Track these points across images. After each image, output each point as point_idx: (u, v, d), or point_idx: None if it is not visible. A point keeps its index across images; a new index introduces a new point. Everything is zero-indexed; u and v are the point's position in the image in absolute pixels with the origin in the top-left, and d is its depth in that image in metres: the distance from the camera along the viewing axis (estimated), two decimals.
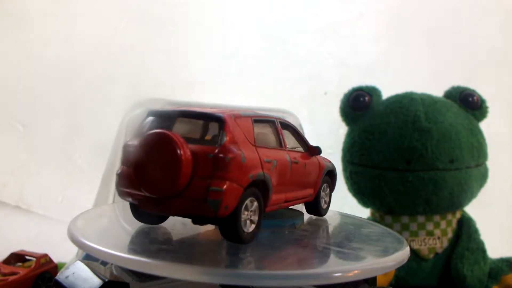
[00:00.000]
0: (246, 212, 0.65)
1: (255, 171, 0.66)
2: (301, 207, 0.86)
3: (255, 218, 0.67)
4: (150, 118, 0.71)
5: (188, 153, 0.62)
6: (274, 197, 0.71)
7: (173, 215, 0.67)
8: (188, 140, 0.64)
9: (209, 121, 0.67)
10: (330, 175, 0.89)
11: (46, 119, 1.72)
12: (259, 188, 0.68)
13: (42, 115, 1.72)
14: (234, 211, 0.63)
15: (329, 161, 0.89)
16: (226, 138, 0.64)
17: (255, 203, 0.67)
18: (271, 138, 0.75)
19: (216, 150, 0.63)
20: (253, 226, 0.67)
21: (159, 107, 0.77)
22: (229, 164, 0.62)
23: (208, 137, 0.66)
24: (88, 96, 1.70)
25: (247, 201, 0.65)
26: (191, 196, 0.62)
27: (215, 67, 1.74)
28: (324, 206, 0.88)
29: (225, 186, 0.62)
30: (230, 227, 0.64)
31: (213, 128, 0.66)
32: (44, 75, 1.71)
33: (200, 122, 0.68)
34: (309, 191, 0.82)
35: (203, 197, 0.61)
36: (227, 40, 1.76)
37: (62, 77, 1.70)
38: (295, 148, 0.81)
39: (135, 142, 0.67)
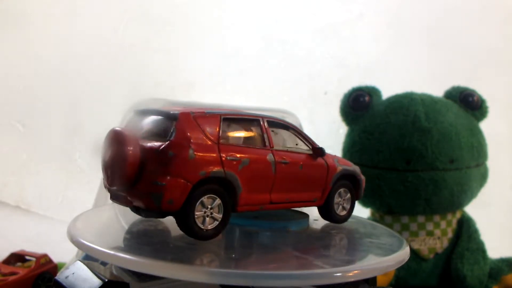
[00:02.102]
0: (203, 209, 0.66)
1: (208, 168, 0.66)
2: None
3: (218, 215, 0.68)
4: (135, 117, 0.75)
5: (136, 149, 0.65)
6: (250, 196, 0.71)
7: (130, 207, 0.70)
8: (151, 137, 0.68)
9: (167, 118, 0.69)
10: (350, 180, 0.86)
11: (46, 119, 1.72)
12: (224, 186, 0.68)
13: (42, 115, 1.72)
14: (185, 206, 0.65)
15: (350, 165, 0.86)
16: (175, 135, 0.66)
17: (217, 201, 0.68)
18: (251, 137, 0.75)
19: (162, 146, 0.65)
20: (216, 223, 0.68)
21: (159, 107, 0.78)
22: (172, 159, 0.65)
23: (164, 134, 0.68)
24: (88, 96, 1.70)
25: (204, 198, 0.66)
26: (141, 189, 0.66)
27: (215, 67, 1.74)
28: (342, 213, 0.85)
29: (166, 181, 0.63)
30: (182, 222, 0.66)
31: (170, 125, 0.68)
32: (44, 75, 1.71)
33: (162, 119, 0.70)
34: (313, 195, 0.80)
35: (149, 190, 0.64)
36: (227, 40, 1.76)
37: (62, 77, 1.70)
38: (303, 149, 0.80)
39: None
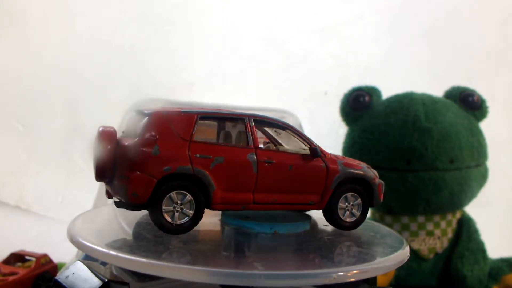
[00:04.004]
0: (173, 204, 0.69)
1: (174, 164, 0.69)
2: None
3: (189, 211, 0.70)
4: (131, 117, 0.79)
5: (110, 146, 0.71)
6: (226, 195, 0.72)
7: (111, 198, 0.76)
8: (130, 135, 0.73)
9: (143, 118, 0.73)
10: (361, 184, 0.81)
11: (46, 119, 1.72)
12: (195, 183, 0.70)
13: (42, 115, 1.72)
14: (151, 200, 0.68)
15: (359, 167, 0.81)
16: (143, 132, 0.70)
17: (188, 197, 0.70)
18: (231, 135, 0.77)
19: (130, 143, 0.70)
20: (187, 219, 0.70)
21: (159, 107, 0.79)
22: (136, 155, 0.69)
23: (138, 132, 0.72)
24: (88, 96, 1.70)
25: (173, 193, 0.69)
26: (115, 183, 0.71)
27: (215, 67, 1.74)
28: (350, 219, 0.80)
29: (131, 175, 0.68)
30: (151, 216, 0.70)
31: (143, 124, 0.72)
32: (44, 75, 1.71)
33: (140, 119, 0.74)
34: (309, 197, 0.77)
35: (119, 183, 0.70)
36: (227, 40, 1.76)
37: (62, 77, 1.70)
38: (302, 150, 0.78)
39: None
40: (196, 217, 0.70)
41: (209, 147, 0.72)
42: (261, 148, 0.76)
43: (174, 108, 0.74)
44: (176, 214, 0.69)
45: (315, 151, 0.78)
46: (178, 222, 0.69)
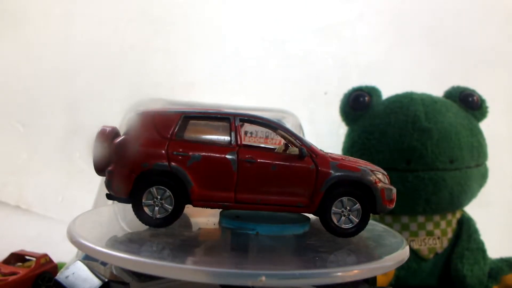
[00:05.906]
0: (153, 199, 0.73)
1: (151, 161, 0.72)
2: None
3: (168, 206, 0.73)
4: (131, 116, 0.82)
5: (104, 143, 0.75)
6: (205, 192, 0.73)
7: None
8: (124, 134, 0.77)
9: (134, 117, 0.77)
10: (361, 188, 0.76)
11: (46, 119, 1.72)
12: (174, 179, 0.73)
13: (42, 115, 1.72)
14: (132, 194, 0.72)
15: (356, 170, 0.75)
16: (129, 131, 0.75)
17: (167, 193, 0.73)
18: (214, 134, 0.79)
19: (117, 141, 0.75)
20: (166, 213, 0.73)
21: (159, 107, 0.81)
22: (118, 151, 0.74)
23: (127, 131, 0.77)
24: (88, 96, 1.70)
25: (152, 189, 0.73)
26: (106, 177, 0.76)
27: (215, 67, 1.74)
28: (345, 225, 0.76)
29: (114, 170, 0.74)
30: (133, 208, 0.73)
31: (133, 122, 0.77)
32: (44, 75, 1.71)
33: (132, 119, 0.78)
34: (296, 199, 0.74)
35: (106, 178, 0.75)
36: (227, 40, 1.76)
37: (62, 77, 1.70)
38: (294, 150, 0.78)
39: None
40: (175, 212, 0.73)
41: (188, 145, 0.74)
42: (246, 146, 0.76)
43: (162, 108, 0.77)
44: (156, 209, 0.73)
45: (301, 152, 0.75)
46: (158, 216, 0.73)
